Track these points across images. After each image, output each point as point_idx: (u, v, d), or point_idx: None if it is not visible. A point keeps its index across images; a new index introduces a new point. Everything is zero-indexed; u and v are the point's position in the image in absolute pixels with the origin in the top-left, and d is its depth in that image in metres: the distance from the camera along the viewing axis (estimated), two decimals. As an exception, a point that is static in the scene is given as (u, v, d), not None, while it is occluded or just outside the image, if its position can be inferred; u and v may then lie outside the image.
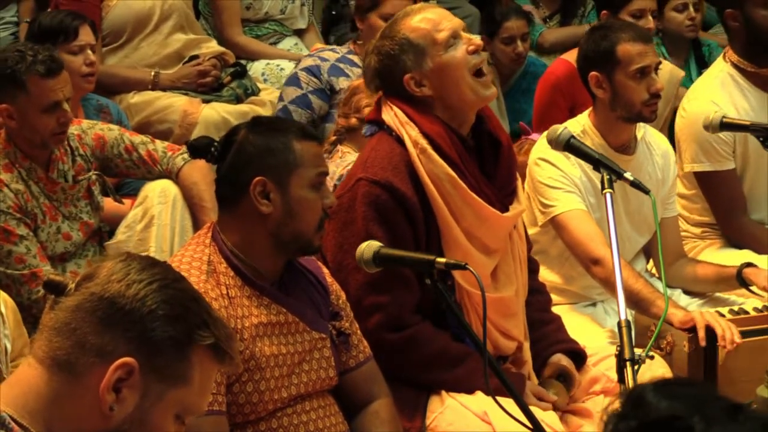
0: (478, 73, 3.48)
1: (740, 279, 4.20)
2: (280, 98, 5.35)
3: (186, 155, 4.36)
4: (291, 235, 3.13)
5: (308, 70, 5.27)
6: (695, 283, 4.36)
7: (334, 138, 4.79)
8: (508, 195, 3.60)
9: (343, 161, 4.64)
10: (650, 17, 5.34)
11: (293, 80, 5.31)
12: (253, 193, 3.10)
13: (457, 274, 3.43)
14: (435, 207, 3.45)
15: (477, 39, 3.54)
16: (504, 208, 3.55)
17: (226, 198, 3.20)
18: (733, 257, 4.45)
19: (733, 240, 4.66)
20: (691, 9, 6.07)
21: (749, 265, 4.23)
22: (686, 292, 4.44)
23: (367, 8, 5.27)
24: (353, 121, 4.69)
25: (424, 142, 3.44)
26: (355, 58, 5.25)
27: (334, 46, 5.49)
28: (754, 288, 4.18)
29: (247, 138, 3.16)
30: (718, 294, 4.39)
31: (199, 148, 3.29)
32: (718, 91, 4.58)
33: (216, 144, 3.21)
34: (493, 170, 3.58)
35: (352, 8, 5.63)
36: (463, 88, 3.46)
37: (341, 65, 5.26)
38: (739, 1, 4.58)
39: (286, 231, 3.13)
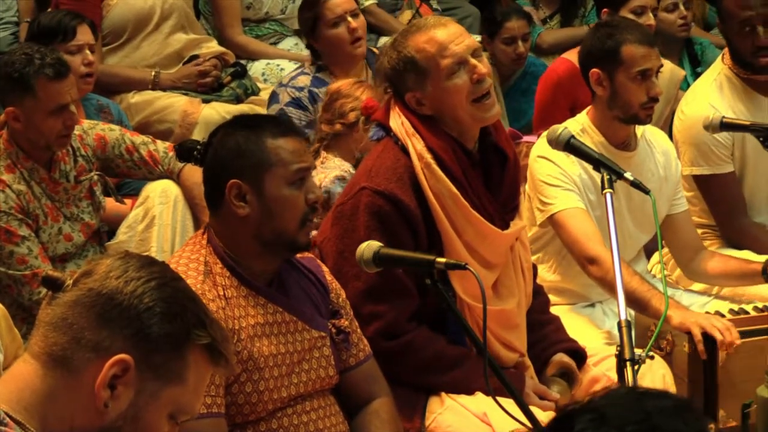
0: (478, 99, 3.45)
1: (766, 275, 4.17)
2: None
3: (187, 156, 4.37)
4: (272, 235, 3.10)
5: (295, 104, 5.12)
6: (717, 277, 4.34)
7: (317, 146, 4.72)
8: (510, 211, 3.60)
9: (323, 167, 4.59)
10: (651, 14, 5.34)
11: (284, 118, 5.18)
12: (229, 196, 3.09)
13: (457, 287, 3.44)
14: (437, 220, 3.46)
15: (483, 67, 3.46)
16: (505, 225, 3.56)
17: (211, 200, 3.19)
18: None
19: (733, 242, 4.66)
20: (682, 8, 6.07)
21: None
22: (689, 291, 4.44)
23: (312, 26, 5.17)
24: (338, 127, 4.63)
25: (428, 157, 3.44)
26: (324, 76, 5.15)
27: (302, 67, 5.31)
28: None
29: (221, 140, 3.14)
30: (723, 293, 4.39)
31: (184, 152, 3.31)
32: (715, 93, 4.59)
33: (199, 147, 3.21)
34: (497, 184, 3.58)
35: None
36: (459, 113, 3.46)
37: (315, 90, 5.12)
38: (723, 19, 4.62)
39: (266, 231, 3.10)
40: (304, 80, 5.17)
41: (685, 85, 5.85)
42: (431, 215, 3.45)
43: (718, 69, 4.69)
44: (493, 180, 3.57)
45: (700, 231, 4.67)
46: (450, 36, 3.47)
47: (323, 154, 4.67)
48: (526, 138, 5.10)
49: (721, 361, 3.78)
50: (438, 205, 3.45)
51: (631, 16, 5.22)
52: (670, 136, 4.67)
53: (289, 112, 5.08)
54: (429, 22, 3.56)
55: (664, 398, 1.48)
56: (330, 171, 4.55)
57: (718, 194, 4.62)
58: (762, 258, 4.31)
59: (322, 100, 5.01)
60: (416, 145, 3.46)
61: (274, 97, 5.22)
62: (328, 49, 5.15)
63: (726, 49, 4.71)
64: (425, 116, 3.48)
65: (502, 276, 3.59)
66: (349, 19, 5.13)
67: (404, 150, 3.48)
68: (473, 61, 3.46)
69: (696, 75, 5.90)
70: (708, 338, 3.77)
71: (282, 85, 5.22)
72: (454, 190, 3.44)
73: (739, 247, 4.61)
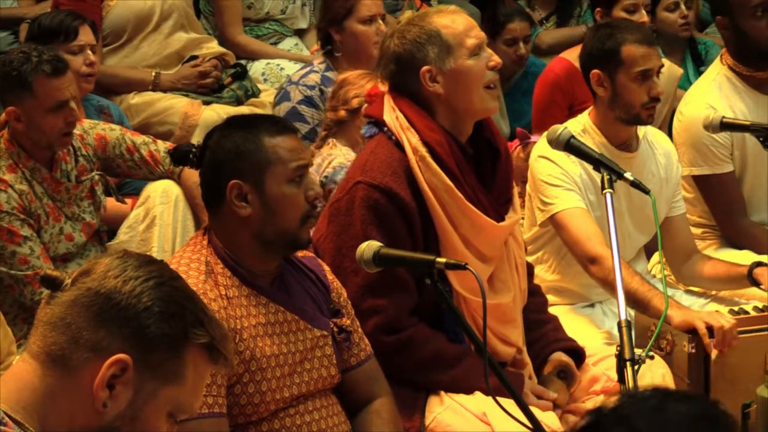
0: (489, 87, 3.52)
1: (751, 278, 4.19)
2: None
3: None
4: (274, 234, 3.12)
5: (307, 102, 5.11)
6: (707, 281, 4.35)
7: (324, 134, 4.75)
8: (504, 204, 3.61)
9: (329, 155, 4.61)
10: (644, 11, 5.34)
11: (297, 116, 5.12)
12: (230, 197, 3.09)
13: (453, 281, 3.45)
14: (433, 213, 3.47)
15: (498, 58, 3.56)
16: (500, 218, 3.57)
17: (210, 203, 3.19)
18: (734, 257, 4.45)
19: (733, 241, 4.66)
20: (683, 7, 6.07)
21: (760, 264, 4.21)
22: (688, 292, 4.44)
23: (343, 16, 5.14)
24: (342, 113, 4.65)
25: (423, 150, 3.45)
26: (333, 75, 5.12)
27: (311, 65, 5.29)
28: (764, 287, 4.18)
29: (218, 142, 3.15)
30: (722, 293, 4.39)
31: (179, 157, 3.31)
32: (714, 93, 4.58)
33: (194, 150, 3.21)
34: (490, 179, 3.59)
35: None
36: (473, 96, 3.49)
37: (325, 88, 5.10)
38: (729, 10, 4.58)
39: (268, 230, 3.11)
40: (315, 78, 5.16)
41: (687, 84, 5.85)
42: (427, 209, 3.46)
43: (717, 69, 4.68)
44: (485, 174, 3.59)
45: (700, 230, 4.68)
46: (471, 22, 3.57)
47: (331, 141, 4.68)
48: (534, 138, 5.10)
49: (713, 356, 3.78)
50: (434, 199, 3.46)
51: (623, 14, 5.23)
52: (670, 135, 4.67)
53: (301, 110, 5.09)
54: (449, 8, 3.63)
55: (689, 402, 1.48)
56: (334, 158, 4.58)
57: (718, 194, 4.61)
58: (762, 258, 4.31)
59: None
60: (411, 139, 3.47)
61: (284, 95, 5.21)
62: (350, 43, 5.14)
63: (724, 50, 4.70)
64: (424, 102, 3.49)
65: (498, 270, 3.60)
66: (380, 21, 5.15)
67: (398, 145, 3.49)
68: (489, 50, 3.55)
69: (699, 75, 5.89)
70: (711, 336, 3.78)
71: (292, 83, 5.21)
72: (449, 182, 3.45)
73: (739, 247, 4.61)
